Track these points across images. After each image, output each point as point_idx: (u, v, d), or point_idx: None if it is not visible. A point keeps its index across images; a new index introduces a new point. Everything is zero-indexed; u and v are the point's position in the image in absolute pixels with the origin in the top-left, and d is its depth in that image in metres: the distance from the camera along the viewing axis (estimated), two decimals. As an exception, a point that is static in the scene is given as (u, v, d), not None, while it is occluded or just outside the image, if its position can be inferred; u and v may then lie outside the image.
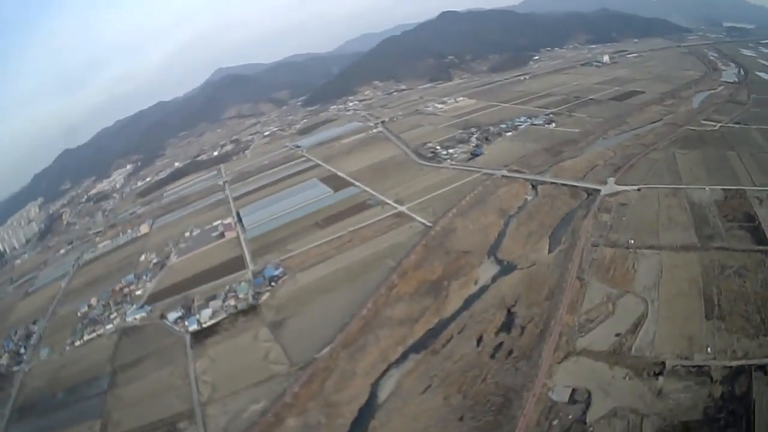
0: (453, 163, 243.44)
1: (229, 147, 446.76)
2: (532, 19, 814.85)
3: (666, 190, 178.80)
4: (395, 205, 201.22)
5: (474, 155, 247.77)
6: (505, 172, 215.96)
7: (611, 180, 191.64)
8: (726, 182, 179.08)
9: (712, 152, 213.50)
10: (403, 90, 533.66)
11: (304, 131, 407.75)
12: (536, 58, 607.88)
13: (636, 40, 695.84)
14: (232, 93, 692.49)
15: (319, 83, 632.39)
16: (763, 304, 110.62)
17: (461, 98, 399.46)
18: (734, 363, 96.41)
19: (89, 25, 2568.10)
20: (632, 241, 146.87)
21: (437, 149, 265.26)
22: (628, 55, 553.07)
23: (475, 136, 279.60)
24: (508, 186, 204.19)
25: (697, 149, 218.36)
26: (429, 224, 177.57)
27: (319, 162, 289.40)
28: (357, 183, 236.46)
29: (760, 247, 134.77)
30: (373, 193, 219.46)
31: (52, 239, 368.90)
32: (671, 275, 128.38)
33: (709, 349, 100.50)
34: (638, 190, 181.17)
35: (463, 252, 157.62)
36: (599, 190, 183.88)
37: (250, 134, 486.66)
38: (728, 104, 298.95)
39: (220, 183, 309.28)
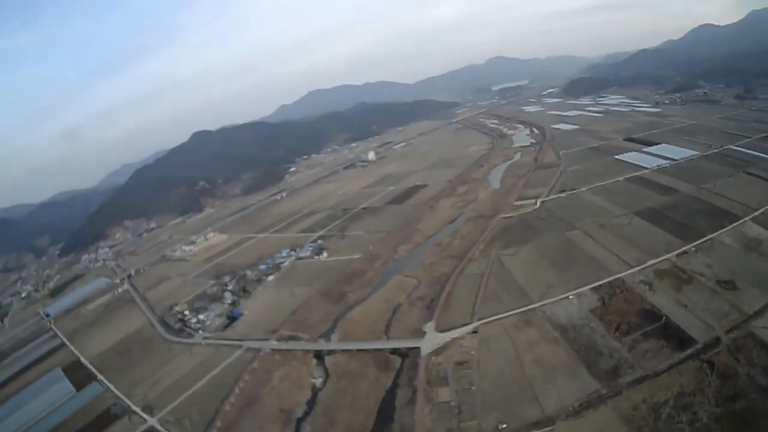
0: (206, 335, 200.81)
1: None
2: (285, 127, 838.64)
3: (514, 318, 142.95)
4: (143, 414, 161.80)
5: (231, 319, 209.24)
6: (275, 343, 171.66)
7: (429, 326, 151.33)
8: (592, 277, 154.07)
9: (549, 240, 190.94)
10: (153, 229, 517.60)
11: (56, 291, 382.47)
12: (292, 169, 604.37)
13: (400, 128, 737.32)
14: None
15: (78, 225, 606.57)
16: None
17: (212, 234, 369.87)
18: None
19: None
20: (504, 426, 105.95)
21: (186, 315, 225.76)
22: (395, 147, 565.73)
23: (230, 288, 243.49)
24: (284, 367, 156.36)
25: (527, 243, 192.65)
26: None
27: (64, 340, 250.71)
28: (101, 375, 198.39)
29: (689, 351, 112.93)
30: (118, 393, 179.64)
31: None
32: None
33: None
34: (475, 332, 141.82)
35: None
36: (418, 348, 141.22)
37: (11, 295, 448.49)
38: (538, 171, 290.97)
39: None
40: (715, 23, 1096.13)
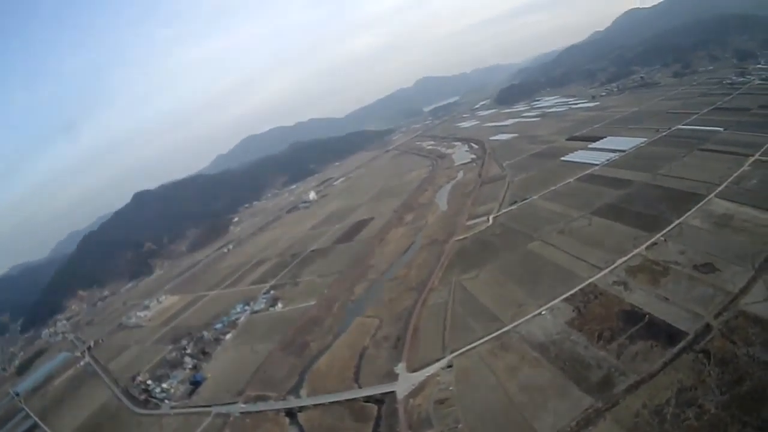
0: (173, 404, 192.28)
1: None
2: (224, 177, 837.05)
3: (488, 345, 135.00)
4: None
5: (195, 384, 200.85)
6: (243, 406, 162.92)
7: (400, 367, 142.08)
8: (562, 287, 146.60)
9: (509, 257, 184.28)
10: (107, 296, 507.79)
11: (22, 369, 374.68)
12: (236, 219, 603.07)
13: (338, 163, 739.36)
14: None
15: (34, 299, 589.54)
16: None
17: (164, 297, 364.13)
18: None
19: None
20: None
21: (149, 384, 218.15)
22: (335, 183, 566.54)
23: (189, 351, 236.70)
24: (257, 430, 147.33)
25: (487, 263, 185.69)
26: None
27: (37, 420, 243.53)
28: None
29: (680, 345, 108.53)
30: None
31: None
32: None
33: None
34: (449, 366, 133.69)
35: None
36: (393, 392, 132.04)
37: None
38: (485, 187, 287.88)
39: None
40: (641, 6, 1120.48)
